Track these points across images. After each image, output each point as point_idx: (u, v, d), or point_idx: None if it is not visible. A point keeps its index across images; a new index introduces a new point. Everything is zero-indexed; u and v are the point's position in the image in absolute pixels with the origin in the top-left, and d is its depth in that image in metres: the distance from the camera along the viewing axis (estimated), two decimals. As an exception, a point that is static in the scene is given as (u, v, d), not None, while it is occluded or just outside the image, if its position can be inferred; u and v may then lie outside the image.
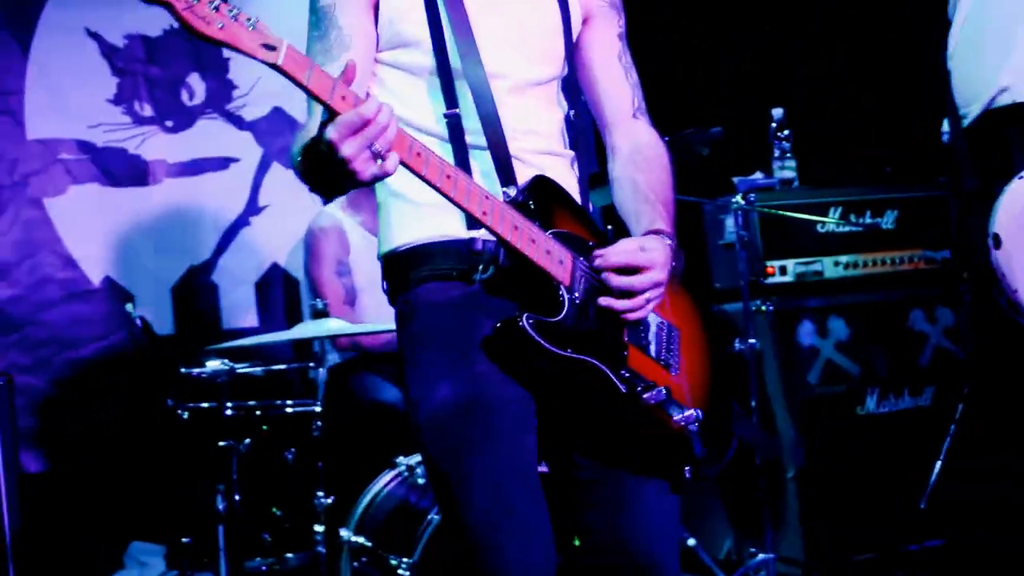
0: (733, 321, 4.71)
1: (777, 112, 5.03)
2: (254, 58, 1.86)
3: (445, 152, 2.29)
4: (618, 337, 2.32)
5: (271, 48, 1.87)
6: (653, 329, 2.42)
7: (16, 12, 5.04)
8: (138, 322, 4.93)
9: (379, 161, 1.94)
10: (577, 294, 2.26)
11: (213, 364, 4.10)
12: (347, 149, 1.88)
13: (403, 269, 2.35)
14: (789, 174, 5.05)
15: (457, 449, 2.23)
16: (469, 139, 2.34)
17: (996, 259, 2.49)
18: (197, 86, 5.27)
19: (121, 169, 5.10)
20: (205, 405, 4.15)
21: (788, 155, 5.07)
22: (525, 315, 2.16)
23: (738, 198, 4.64)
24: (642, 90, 2.64)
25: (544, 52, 2.48)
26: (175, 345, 5.11)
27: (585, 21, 2.59)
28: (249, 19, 1.86)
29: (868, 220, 4.89)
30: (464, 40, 2.33)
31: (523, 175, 2.33)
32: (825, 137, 5.45)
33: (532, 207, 2.28)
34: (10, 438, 3.83)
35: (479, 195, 2.13)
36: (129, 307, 4.90)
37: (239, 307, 5.36)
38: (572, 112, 2.55)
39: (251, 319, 5.35)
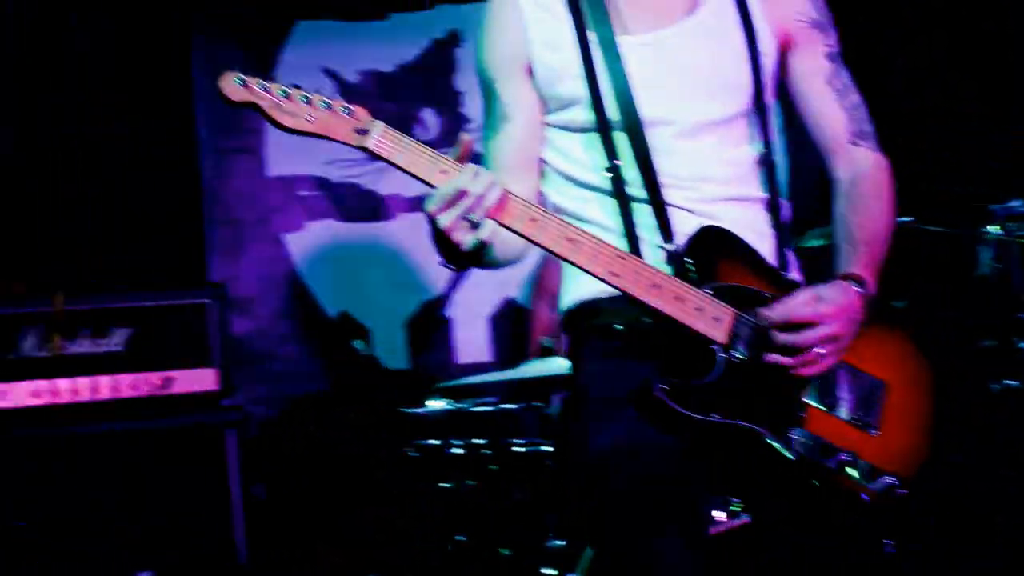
0: (991, 360, 4.53)
1: None
2: (348, 145, 2.00)
3: (608, 206, 2.33)
4: (793, 397, 2.24)
5: (363, 132, 2.01)
6: (846, 385, 2.30)
7: (258, 53, 5.30)
8: (365, 357, 5.13)
9: (478, 230, 2.04)
10: (737, 352, 2.19)
11: (435, 403, 4.17)
12: (443, 221, 1.99)
13: (574, 324, 2.40)
14: None
15: (624, 500, 2.19)
16: (630, 191, 2.32)
17: None
18: (430, 120, 5.40)
19: (356, 204, 5.26)
20: (432, 443, 4.19)
21: None
22: (658, 381, 2.13)
23: (995, 227, 4.42)
24: (865, 111, 2.52)
25: (720, 88, 2.40)
26: (407, 380, 5.21)
27: (786, 45, 2.48)
28: (345, 106, 2.00)
29: None
30: (621, 91, 2.33)
31: (690, 226, 2.27)
32: None
33: (689, 261, 2.24)
34: (238, 470, 4.04)
35: (609, 256, 2.13)
36: (359, 344, 5.08)
37: (472, 342, 5.43)
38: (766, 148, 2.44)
39: (484, 354, 5.41)
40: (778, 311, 2.22)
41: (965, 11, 5.64)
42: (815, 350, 2.18)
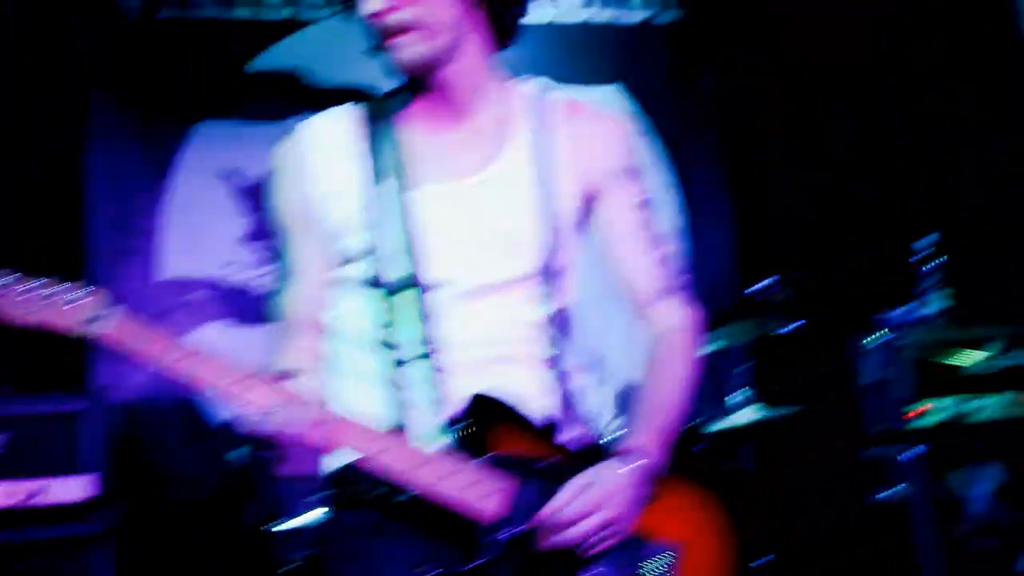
0: (881, 466, 4.76)
1: (927, 242, 5.06)
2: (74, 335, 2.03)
3: (384, 367, 2.30)
4: (572, 571, 2.22)
5: (94, 320, 2.03)
6: (633, 554, 2.29)
7: (154, 156, 5.42)
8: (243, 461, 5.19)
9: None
10: (512, 527, 2.16)
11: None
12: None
13: (335, 491, 2.33)
14: (939, 308, 5.04)
15: None
16: (407, 353, 2.29)
17: None
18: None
19: (249, 307, 5.39)
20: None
21: (939, 287, 5.08)
22: (426, 568, 2.12)
23: (881, 334, 4.75)
24: (676, 262, 2.57)
25: (511, 248, 2.38)
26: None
27: (593, 195, 2.49)
28: (70, 295, 2.02)
29: None
30: (404, 248, 2.32)
31: (468, 391, 2.26)
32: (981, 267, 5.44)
33: (463, 430, 2.23)
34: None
35: (376, 433, 2.13)
36: (241, 452, 5.06)
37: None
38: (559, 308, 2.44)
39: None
40: (546, 512, 2.18)
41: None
42: (592, 538, 2.18)
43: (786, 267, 5.33)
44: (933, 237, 5.11)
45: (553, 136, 2.45)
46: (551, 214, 2.40)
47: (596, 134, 2.52)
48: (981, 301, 5.17)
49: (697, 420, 5.00)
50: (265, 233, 5.73)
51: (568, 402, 2.44)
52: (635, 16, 6.38)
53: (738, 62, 6.35)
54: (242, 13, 5.66)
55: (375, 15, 2.27)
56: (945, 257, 5.14)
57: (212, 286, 5.54)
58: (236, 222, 5.61)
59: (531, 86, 2.54)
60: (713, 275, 6.23)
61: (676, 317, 2.50)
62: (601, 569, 2.24)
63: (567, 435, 2.38)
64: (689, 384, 2.47)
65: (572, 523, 2.16)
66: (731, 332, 5.12)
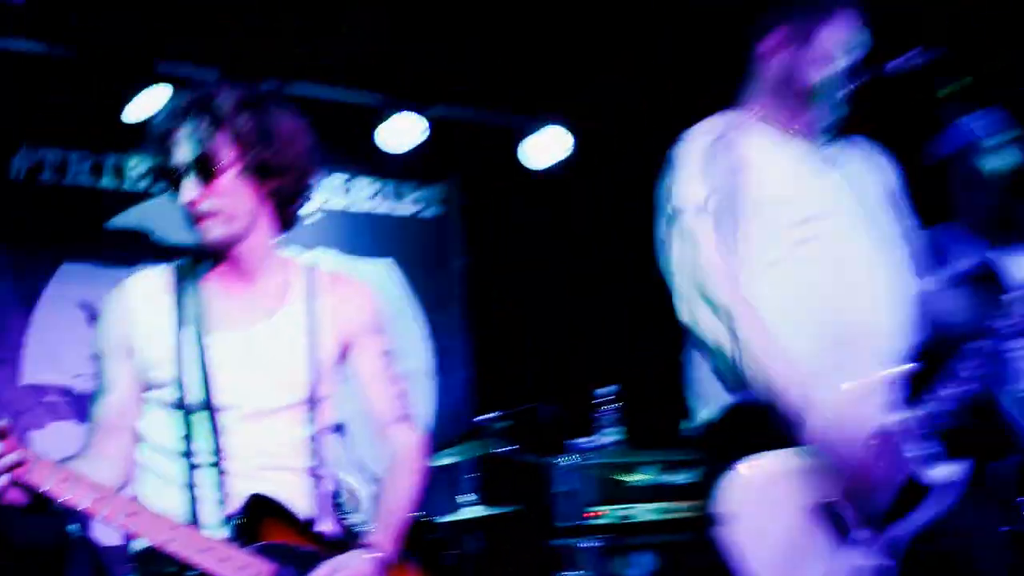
0: (568, 552, 5.44)
1: (607, 389, 5.94)
2: None
3: (181, 471, 2.53)
4: None
5: None
6: None
7: (25, 285, 5.92)
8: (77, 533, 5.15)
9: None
10: None
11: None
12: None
13: (136, 563, 2.54)
14: (614, 438, 5.86)
15: None
16: (200, 461, 2.53)
17: (721, 533, 2.52)
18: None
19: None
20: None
21: (615, 423, 5.90)
22: None
23: (568, 457, 5.54)
24: (407, 397, 2.85)
25: (283, 382, 2.64)
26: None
27: (349, 345, 2.77)
28: None
29: (673, 476, 5.64)
30: (201, 379, 2.55)
31: (246, 492, 2.51)
32: (648, 408, 5.91)
33: (240, 523, 2.47)
34: None
35: (164, 526, 2.37)
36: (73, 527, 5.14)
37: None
38: (319, 429, 2.69)
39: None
40: None
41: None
42: None
43: (505, 405, 6.03)
44: (613, 388, 5.91)
45: (319, 299, 2.74)
46: (315, 358, 2.69)
47: (351, 299, 2.81)
48: (645, 437, 5.93)
49: (432, 515, 5.18)
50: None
51: (326, 502, 2.69)
52: (407, 209, 7.31)
53: (481, 249, 7.30)
54: (108, 183, 6.28)
55: (189, 203, 2.54)
56: (621, 403, 5.91)
57: (65, 392, 5.80)
58: (86, 343, 5.66)
59: (304, 260, 2.83)
60: (452, 406, 7.00)
61: (407, 439, 2.81)
62: None
63: (324, 528, 2.65)
64: (417, 492, 2.76)
65: None
66: (464, 449, 5.77)
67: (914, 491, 2.66)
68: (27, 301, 5.98)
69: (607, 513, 5.56)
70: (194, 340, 2.58)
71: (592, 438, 5.94)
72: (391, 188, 7.31)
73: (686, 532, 5.42)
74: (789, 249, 2.79)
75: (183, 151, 2.55)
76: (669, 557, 5.56)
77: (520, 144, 7.12)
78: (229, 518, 2.48)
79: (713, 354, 2.73)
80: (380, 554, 2.56)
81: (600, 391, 6.02)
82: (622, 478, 5.64)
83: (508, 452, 5.67)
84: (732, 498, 2.54)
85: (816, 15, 2.88)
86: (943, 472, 2.65)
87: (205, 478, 2.53)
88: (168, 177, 2.59)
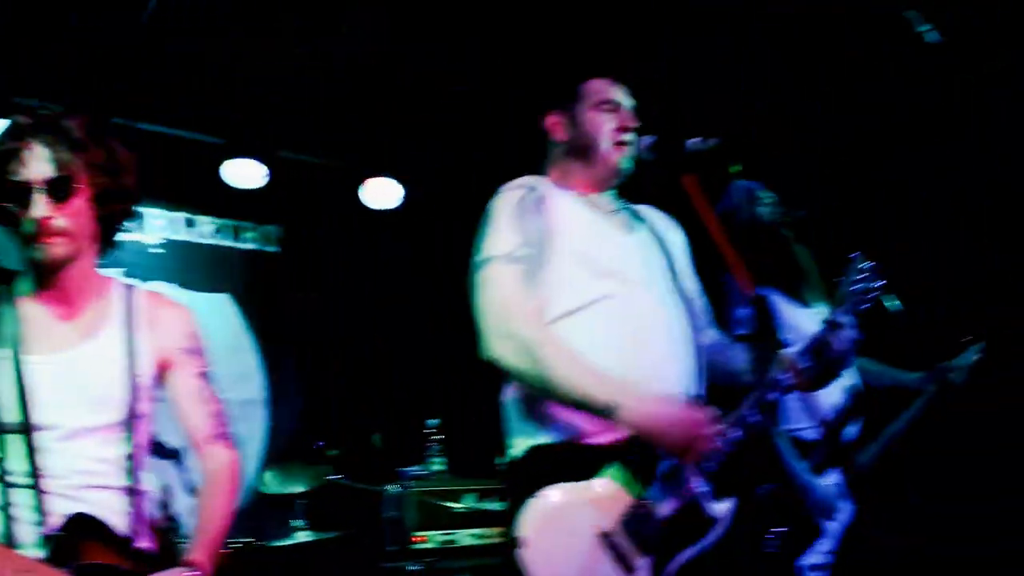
0: (397, 574, 5.59)
1: (433, 422, 6.26)
2: None
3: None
4: None
5: None
6: None
7: None
8: None
9: None
10: None
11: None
12: None
13: None
14: (438, 467, 6.19)
15: None
16: (18, 480, 2.53)
17: (520, 557, 2.64)
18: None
19: None
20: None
21: (439, 453, 6.22)
22: None
23: (395, 485, 5.78)
24: (224, 417, 2.88)
25: (100, 402, 2.64)
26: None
27: (165, 366, 2.80)
28: None
29: (492, 504, 5.96)
30: (18, 400, 2.55)
31: (65, 511, 2.52)
32: (469, 439, 6.29)
33: (58, 543, 2.45)
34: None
35: None
36: None
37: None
38: (137, 446, 2.69)
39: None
40: None
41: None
42: None
43: (336, 435, 6.23)
44: (437, 421, 6.21)
45: (137, 319, 2.76)
46: (133, 377, 2.70)
47: (169, 320, 2.83)
48: (466, 466, 6.25)
49: (264, 539, 5.51)
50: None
51: (143, 520, 2.70)
52: (247, 245, 7.34)
53: (317, 285, 7.39)
54: None
55: (42, 219, 2.56)
56: (444, 435, 6.18)
57: None
58: None
59: (124, 283, 2.85)
60: (285, 433, 7.05)
61: (221, 458, 2.83)
62: None
63: (143, 546, 2.66)
64: (232, 508, 2.78)
65: None
66: (295, 476, 5.82)
67: (698, 521, 2.84)
68: None
69: (431, 538, 5.80)
70: (11, 361, 2.58)
71: (419, 467, 6.22)
72: (232, 225, 7.37)
73: (500, 556, 5.53)
74: (586, 302, 2.90)
75: (37, 168, 2.57)
76: (488, 580, 5.67)
77: (357, 189, 7.34)
78: (47, 538, 2.47)
79: (522, 384, 2.85)
80: (197, 572, 2.57)
81: (428, 422, 6.31)
82: (445, 505, 5.88)
83: (338, 479, 5.79)
84: (528, 523, 2.69)
85: (577, 83, 3.13)
86: (723, 506, 2.85)
87: (22, 498, 2.51)
88: (10, 192, 2.58)
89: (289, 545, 5.69)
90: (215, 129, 6.67)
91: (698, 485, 2.84)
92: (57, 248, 2.59)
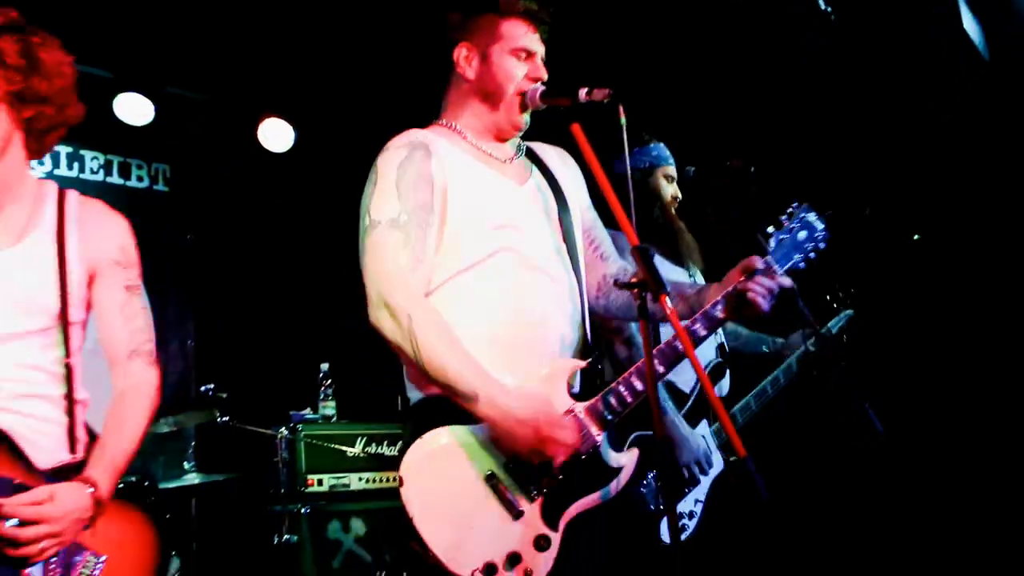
0: (280, 519, 5.64)
1: (324, 366, 6.28)
2: None
3: None
4: (18, 564, 2.43)
5: None
6: (68, 560, 2.49)
7: None
8: None
9: None
10: None
11: None
12: None
13: None
14: (330, 412, 6.24)
15: None
16: None
17: (401, 495, 2.66)
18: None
19: None
20: None
21: (330, 397, 6.26)
22: None
23: (285, 428, 5.79)
24: (148, 334, 2.84)
25: (27, 308, 2.58)
26: None
27: (94, 275, 2.74)
28: None
29: (383, 448, 6.10)
30: None
31: None
32: (360, 384, 6.49)
33: None
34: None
35: None
36: None
37: None
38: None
39: None
40: (7, 506, 2.38)
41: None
42: (38, 544, 2.41)
43: (226, 376, 6.18)
44: (327, 365, 6.21)
45: (69, 226, 2.71)
46: (65, 281, 2.66)
47: (100, 226, 2.78)
48: (358, 410, 6.34)
49: (154, 480, 5.54)
50: None
51: (71, 432, 2.65)
52: (137, 184, 7.25)
53: (208, 225, 7.37)
54: None
55: None
56: (331, 379, 6.20)
57: None
58: None
59: (57, 188, 2.81)
60: (175, 374, 7.04)
61: (141, 375, 2.78)
62: (36, 568, 2.44)
63: (72, 456, 2.63)
64: (143, 431, 2.73)
65: (29, 522, 2.40)
66: (185, 418, 5.88)
67: (599, 471, 2.86)
68: None
69: (323, 481, 5.87)
70: None
71: (310, 411, 6.26)
72: (120, 162, 7.26)
73: (394, 500, 5.70)
74: (478, 256, 2.89)
75: None
76: (376, 524, 5.91)
77: (249, 128, 7.25)
78: None
79: (399, 354, 2.80)
80: (95, 491, 2.51)
81: (320, 366, 6.32)
82: (340, 448, 5.95)
83: (227, 421, 5.78)
84: (408, 463, 2.71)
85: (497, 16, 3.01)
86: (625, 456, 2.89)
87: None
88: None
89: (179, 487, 5.69)
90: (105, 62, 6.51)
91: (596, 435, 2.86)
92: None
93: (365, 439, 6.07)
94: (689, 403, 4.12)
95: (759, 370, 4.40)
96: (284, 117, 7.26)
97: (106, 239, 2.76)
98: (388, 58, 6.43)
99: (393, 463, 5.66)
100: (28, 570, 2.42)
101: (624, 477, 2.90)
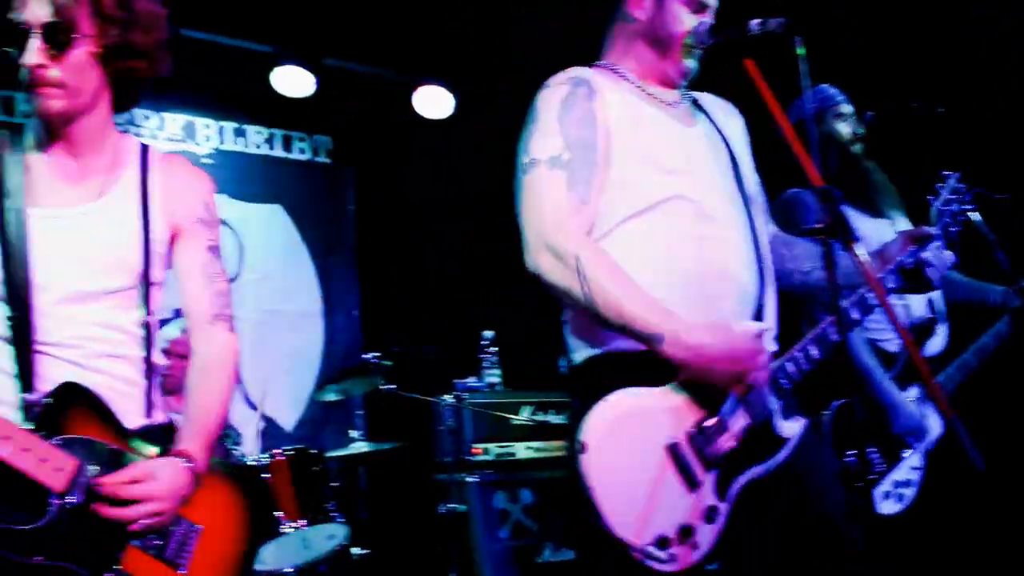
0: (446, 488, 5.69)
1: (488, 334, 6.28)
2: None
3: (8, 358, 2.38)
4: (119, 540, 2.35)
5: None
6: (167, 531, 2.45)
7: None
8: None
9: None
10: (74, 498, 2.28)
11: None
12: None
13: None
14: (495, 379, 6.24)
15: None
16: (12, 343, 2.38)
17: (580, 461, 2.47)
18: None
19: None
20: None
21: (495, 365, 6.26)
22: None
23: (450, 397, 5.78)
24: (228, 297, 2.70)
25: (111, 265, 2.49)
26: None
27: (176, 235, 2.64)
28: None
29: (550, 416, 6.00)
30: (17, 255, 2.40)
31: (58, 379, 2.36)
32: (524, 352, 6.35)
33: (42, 413, 2.30)
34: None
35: None
36: None
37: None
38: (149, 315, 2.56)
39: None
40: (108, 486, 2.30)
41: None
42: (141, 522, 2.35)
43: (391, 345, 6.24)
44: (492, 333, 6.22)
45: (153, 183, 2.61)
46: (147, 240, 2.56)
47: (184, 183, 2.67)
48: (522, 378, 6.29)
49: (323, 448, 5.56)
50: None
51: (148, 396, 2.56)
52: (300, 156, 7.40)
53: (372, 195, 7.48)
54: None
55: (34, 67, 2.36)
56: (496, 349, 6.19)
57: None
58: None
59: (141, 143, 2.68)
60: (342, 344, 7.20)
61: (221, 340, 2.66)
62: (141, 543, 2.41)
63: (150, 421, 2.55)
64: (229, 394, 2.62)
65: (126, 503, 2.33)
66: (350, 386, 5.88)
67: (768, 440, 2.71)
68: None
69: (489, 450, 5.82)
70: (15, 214, 2.43)
71: (474, 379, 6.25)
72: (282, 135, 7.39)
73: (561, 469, 5.64)
74: (649, 202, 2.72)
75: (36, 10, 2.37)
76: (543, 493, 5.82)
77: (408, 97, 7.26)
78: (30, 405, 2.33)
79: (563, 299, 2.65)
80: (192, 465, 2.46)
81: (484, 334, 6.32)
82: (506, 417, 5.89)
83: (393, 389, 5.77)
84: (591, 428, 2.51)
85: None
86: (793, 425, 2.74)
87: (12, 364, 2.38)
88: (10, 32, 2.39)
89: (347, 455, 5.77)
90: (264, 36, 6.58)
91: (771, 403, 2.72)
92: (52, 102, 2.40)
93: (530, 407, 6.02)
94: (899, 364, 3.84)
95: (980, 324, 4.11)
96: (442, 84, 7.21)
97: (191, 196, 2.67)
98: (547, 18, 6.25)
99: (560, 431, 5.94)
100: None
101: (790, 446, 2.73)
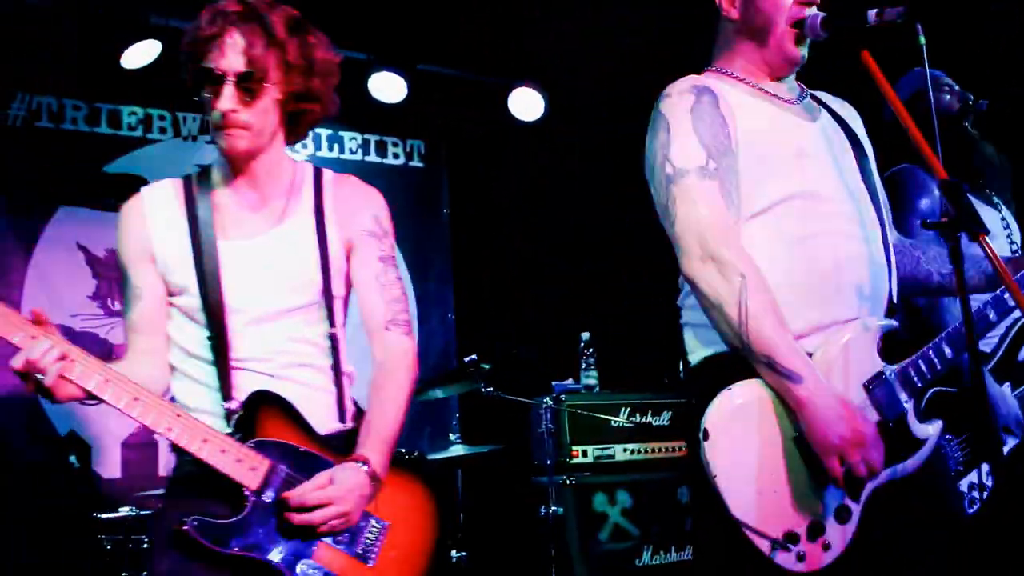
0: (544, 491, 5.64)
1: (585, 335, 6.24)
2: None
3: (196, 369, 2.63)
4: (308, 535, 2.51)
5: None
6: (355, 526, 2.58)
7: (24, 227, 5.99)
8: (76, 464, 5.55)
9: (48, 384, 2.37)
10: (268, 496, 2.49)
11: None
12: (19, 372, 2.39)
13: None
14: (592, 381, 6.19)
15: None
16: (212, 360, 2.61)
17: (704, 449, 2.49)
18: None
19: (92, 349, 5.20)
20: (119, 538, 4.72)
21: (592, 367, 6.21)
22: (192, 519, 2.41)
23: (548, 399, 5.76)
24: (404, 304, 2.83)
25: (296, 284, 2.69)
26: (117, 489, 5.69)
27: (351, 248, 2.79)
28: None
29: (649, 418, 5.99)
30: (213, 283, 2.61)
31: (257, 387, 2.59)
32: (622, 354, 6.55)
33: (239, 418, 2.53)
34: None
35: (168, 414, 2.45)
36: (74, 459, 5.57)
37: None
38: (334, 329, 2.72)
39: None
40: (295, 496, 2.47)
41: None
42: (328, 524, 2.50)
43: (488, 348, 6.15)
44: (586, 335, 6.19)
45: (327, 204, 2.77)
46: (325, 258, 2.72)
47: (354, 200, 2.83)
48: (620, 381, 6.31)
49: (422, 451, 5.40)
50: (103, 295, 6.01)
51: (340, 402, 2.72)
52: (394, 161, 7.45)
53: (466, 199, 7.53)
54: (103, 130, 6.34)
55: (227, 111, 2.59)
56: (592, 349, 6.16)
57: (65, 331, 5.08)
58: (85, 283, 6.03)
59: (313, 168, 2.87)
60: (437, 348, 7.23)
61: (398, 346, 2.77)
62: (331, 539, 2.55)
63: (342, 425, 2.70)
64: (406, 401, 2.73)
65: (312, 508, 2.47)
66: (449, 389, 5.95)
67: (905, 441, 2.69)
68: (26, 242, 6.06)
69: (587, 452, 5.79)
70: (208, 246, 2.65)
71: (571, 381, 6.20)
72: (376, 141, 7.43)
73: (660, 471, 5.80)
74: (773, 200, 2.73)
75: (232, 59, 2.59)
76: (642, 496, 5.80)
77: (501, 100, 7.25)
78: (230, 412, 2.55)
79: (712, 310, 2.63)
80: (372, 469, 2.57)
81: (581, 336, 6.28)
82: (606, 419, 5.87)
83: (491, 392, 5.78)
84: (714, 416, 2.55)
85: None
86: (930, 428, 2.71)
87: (214, 378, 2.60)
88: (204, 78, 2.62)
89: (445, 458, 5.76)
90: (359, 43, 6.61)
91: (902, 400, 2.68)
92: (239, 141, 2.63)
93: (629, 409, 5.97)
94: (991, 363, 3.74)
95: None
96: (534, 86, 7.18)
97: (359, 212, 2.81)
98: (639, 18, 6.23)
99: (659, 433, 5.96)
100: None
101: (927, 450, 2.67)
